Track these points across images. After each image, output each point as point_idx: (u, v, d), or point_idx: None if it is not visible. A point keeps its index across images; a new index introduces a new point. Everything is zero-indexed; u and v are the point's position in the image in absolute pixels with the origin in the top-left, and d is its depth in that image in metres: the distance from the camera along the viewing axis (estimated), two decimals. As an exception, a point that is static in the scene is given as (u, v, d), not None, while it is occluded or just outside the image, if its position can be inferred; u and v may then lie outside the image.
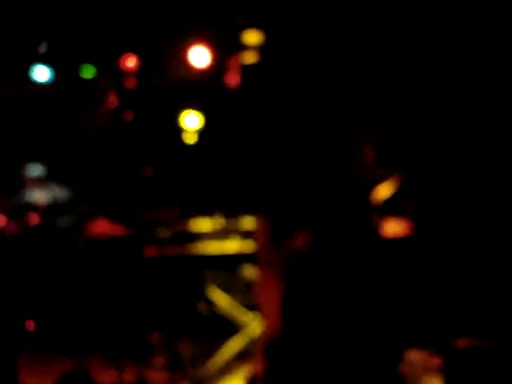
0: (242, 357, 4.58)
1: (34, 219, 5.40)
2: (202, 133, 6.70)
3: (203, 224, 4.66)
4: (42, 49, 6.22)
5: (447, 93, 2.86)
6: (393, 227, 4.04)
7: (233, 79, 6.19)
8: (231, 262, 4.44)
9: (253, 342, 4.45)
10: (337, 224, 1.90)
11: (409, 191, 3.84)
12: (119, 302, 4.76)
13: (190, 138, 6.90)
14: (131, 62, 6.29)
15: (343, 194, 2.01)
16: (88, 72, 6.56)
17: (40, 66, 6.25)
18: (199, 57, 6.38)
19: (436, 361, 3.54)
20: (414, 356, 3.13)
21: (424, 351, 3.33)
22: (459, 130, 2.65)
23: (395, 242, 3.90)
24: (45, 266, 5.06)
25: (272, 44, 5.90)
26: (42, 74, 6.30)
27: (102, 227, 4.76)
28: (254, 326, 4.49)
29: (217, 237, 4.69)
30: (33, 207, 5.55)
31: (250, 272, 4.47)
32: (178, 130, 6.83)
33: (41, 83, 6.37)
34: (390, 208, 4.09)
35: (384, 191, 4.12)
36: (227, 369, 4.46)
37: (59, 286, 4.95)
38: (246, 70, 6.06)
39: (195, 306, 5.26)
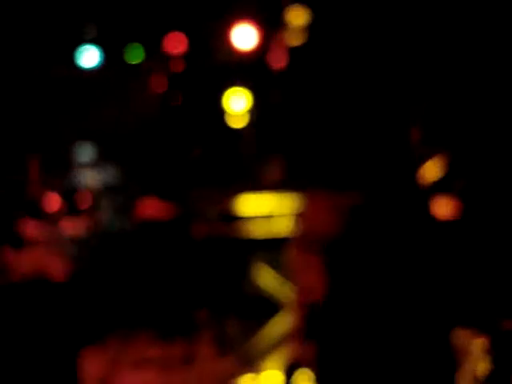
0: (286, 336, 4.63)
1: (86, 200, 5.52)
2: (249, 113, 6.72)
3: (251, 203, 4.71)
4: (91, 33, 6.32)
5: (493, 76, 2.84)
6: (442, 207, 4.02)
7: (279, 60, 6.20)
8: (278, 242, 4.47)
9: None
10: (389, 204, 1.91)
11: (457, 171, 3.80)
12: (169, 279, 4.86)
13: (236, 121, 6.95)
14: (178, 45, 6.36)
15: (394, 172, 2.01)
16: (135, 55, 6.65)
17: (89, 49, 6.36)
18: (245, 38, 6.39)
19: (482, 341, 3.51)
20: (461, 336, 3.11)
21: (470, 331, 3.31)
22: (507, 110, 2.62)
23: (444, 222, 3.88)
24: (99, 245, 5.18)
25: (318, 24, 5.89)
26: (90, 57, 6.41)
27: (151, 207, 4.85)
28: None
29: (264, 216, 4.74)
30: (84, 189, 5.68)
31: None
32: (225, 111, 6.87)
33: (89, 67, 6.48)
34: (439, 188, 4.06)
35: (432, 171, 4.09)
36: (272, 347, 4.51)
37: (111, 265, 5.06)
38: (292, 51, 6.07)
39: (242, 285, 5.33)
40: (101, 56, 6.36)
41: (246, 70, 6.73)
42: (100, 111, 6.85)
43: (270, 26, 6.28)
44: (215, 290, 4.89)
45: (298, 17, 5.95)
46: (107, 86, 6.91)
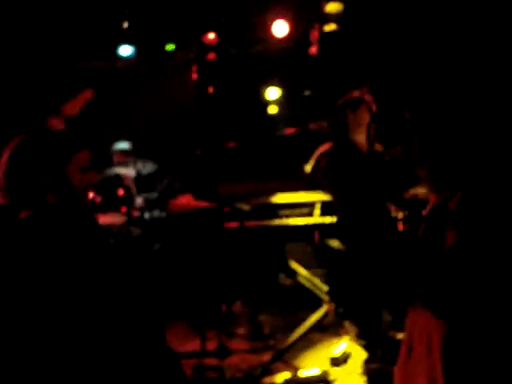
0: (322, 329, 4.59)
1: (120, 193, 5.56)
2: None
3: (284, 197, 4.66)
4: (125, 24, 6.33)
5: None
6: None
7: (313, 48, 6.12)
8: (312, 235, 4.41)
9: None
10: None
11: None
12: (203, 272, 4.86)
13: (272, 110, 6.89)
14: (212, 35, 6.32)
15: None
16: (170, 46, 6.63)
17: (123, 41, 6.37)
18: (279, 27, 6.32)
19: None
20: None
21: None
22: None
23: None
24: (133, 238, 5.22)
25: (352, 13, 5.80)
26: (125, 48, 6.43)
27: (185, 201, 4.85)
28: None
29: (298, 209, 4.68)
30: (119, 181, 5.72)
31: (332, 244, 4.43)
32: (261, 102, 6.82)
33: (125, 57, 6.49)
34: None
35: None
36: (308, 341, 4.48)
37: (145, 257, 5.09)
38: (326, 37, 5.99)
39: (277, 278, 5.30)
40: (134, 47, 6.37)
41: (280, 57, 6.67)
42: (135, 102, 6.87)
43: (304, 14, 6.20)
44: (250, 282, 4.87)
45: (333, 6, 5.87)
46: (142, 77, 6.92)
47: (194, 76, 6.58)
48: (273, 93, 6.81)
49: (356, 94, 4.44)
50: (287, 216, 4.48)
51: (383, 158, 4.58)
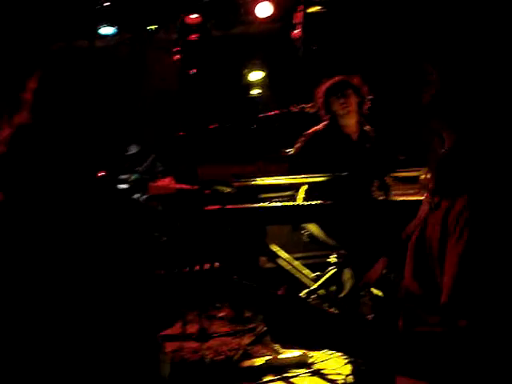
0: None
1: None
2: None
3: (267, 180, 4.61)
4: (106, 3, 6.22)
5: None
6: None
7: (297, 30, 6.07)
8: (293, 218, 4.38)
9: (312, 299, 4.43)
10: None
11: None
12: (183, 254, 4.82)
13: (255, 91, 6.84)
14: (194, 16, 6.24)
15: None
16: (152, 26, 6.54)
17: (104, 21, 6.27)
18: (263, 8, 6.26)
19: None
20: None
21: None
22: None
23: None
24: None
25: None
26: (106, 28, 6.32)
27: (165, 183, 4.80)
28: (311, 283, 4.48)
29: (280, 192, 4.66)
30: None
31: (312, 229, 4.42)
32: (244, 84, 6.77)
33: (106, 37, 6.39)
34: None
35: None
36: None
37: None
38: (309, 19, 5.94)
39: (258, 261, 5.28)
40: (115, 27, 6.27)
41: (264, 39, 6.61)
42: (117, 84, 6.78)
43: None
44: (230, 265, 4.84)
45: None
46: (123, 57, 6.83)
47: (177, 57, 6.50)
48: (256, 74, 6.76)
49: (339, 78, 4.42)
50: (269, 199, 4.45)
51: (372, 140, 4.57)
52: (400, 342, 1.57)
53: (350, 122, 4.43)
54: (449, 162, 1.75)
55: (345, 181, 4.04)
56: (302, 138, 4.47)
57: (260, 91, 6.81)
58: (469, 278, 1.53)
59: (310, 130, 4.49)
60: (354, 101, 4.37)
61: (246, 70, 6.69)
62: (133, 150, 5.88)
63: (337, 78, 4.42)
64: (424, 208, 1.89)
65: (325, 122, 4.49)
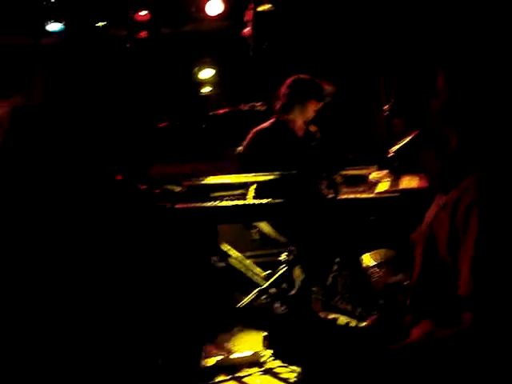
0: (255, 311, 4.58)
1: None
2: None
3: (217, 178, 4.59)
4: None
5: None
6: (408, 181, 3.97)
7: (247, 28, 6.06)
8: (244, 217, 4.37)
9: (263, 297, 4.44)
10: None
11: (425, 145, 3.73)
12: (133, 254, 4.76)
13: (205, 89, 6.80)
14: (144, 13, 6.16)
15: None
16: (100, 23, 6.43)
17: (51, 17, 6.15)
18: (213, 5, 6.23)
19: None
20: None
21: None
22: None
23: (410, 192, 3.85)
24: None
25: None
26: (53, 24, 6.21)
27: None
28: (262, 281, 4.49)
29: (231, 191, 4.64)
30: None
31: (262, 227, 4.43)
32: (194, 82, 6.72)
33: (53, 33, 6.27)
34: (405, 161, 4.00)
35: (398, 144, 4.01)
36: (240, 323, 4.46)
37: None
38: (260, 17, 5.94)
39: (209, 260, 5.26)
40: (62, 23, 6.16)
41: (214, 37, 6.58)
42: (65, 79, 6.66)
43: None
44: (181, 263, 4.80)
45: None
46: (71, 53, 6.70)
47: (126, 54, 6.42)
48: (206, 72, 6.72)
49: (305, 76, 4.44)
50: (220, 198, 4.43)
51: (318, 139, 4.61)
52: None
53: (299, 121, 4.46)
54: (454, 161, 1.76)
55: (293, 179, 4.06)
56: (249, 136, 4.48)
57: (210, 89, 6.78)
58: (488, 269, 1.54)
59: (257, 128, 4.50)
60: (313, 104, 4.43)
61: (197, 68, 6.65)
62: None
63: (303, 76, 4.44)
64: (431, 212, 1.87)
65: (272, 120, 4.50)
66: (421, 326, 1.67)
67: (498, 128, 1.76)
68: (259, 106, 4.54)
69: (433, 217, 1.76)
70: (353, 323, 4.13)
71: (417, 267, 1.77)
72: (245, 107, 4.51)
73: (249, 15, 6.06)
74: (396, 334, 1.77)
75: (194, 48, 6.59)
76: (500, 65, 1.79)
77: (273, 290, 4.52)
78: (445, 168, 1.80)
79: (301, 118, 4.48)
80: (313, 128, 4.61)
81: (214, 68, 6.64)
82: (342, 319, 4.29)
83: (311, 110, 4.44)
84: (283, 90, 4.48)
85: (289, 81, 4.47)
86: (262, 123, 4.54)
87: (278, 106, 4.50)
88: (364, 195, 3.99)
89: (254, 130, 4.50)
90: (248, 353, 3.95)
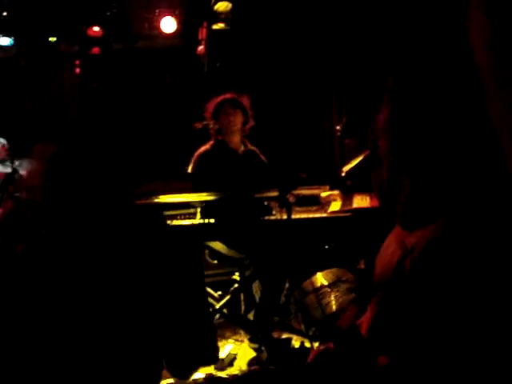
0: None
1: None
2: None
3: (168, 198, 4.53)
4: (4, 13, 5.98)
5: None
6: (359, 201, 3.99)
7: (201, 46, 6.06)
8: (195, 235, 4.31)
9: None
10: None
11: (375, 164, 3.76)
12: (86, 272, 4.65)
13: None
14: (96, 29, 6.10)
15: None
16: (52, 38, 6.34)
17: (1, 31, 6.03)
18: (167, 23, 6.21)
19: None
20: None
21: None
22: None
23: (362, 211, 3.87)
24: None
25: (241, 12, 5.78)
26: (3, 39, 6.09)
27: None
28: (214, 301, 4.45)
29: (182, 210, 4.58)
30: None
31: (213, 245, 4.37)
32: (147, 99, 6.66)
33: (3, 48, 6.16)
34: (356, 180, 4.03)
35: (350, 163, 4.04)
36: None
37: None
38: (214, 36, 5.94)
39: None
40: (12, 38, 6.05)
41: (168, 54, 6.56)
42: (14, 97, 6.53)
43: (194, 11, 6.13)
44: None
45: (221, 5, 5.84)
46: (21, 70, 6.57)
47: (77, 70, 6.33)
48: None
49: (230, 95, 4.49)
50: (171, 217, 4.37)
51: (258, 157, 4.63)
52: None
53: (234, 140, 4.52)
54: (412, 205, 1.68)
55: (237, 198, 4.07)
56: (193, 159, 4.50)
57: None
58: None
59: (199, 151, 4.52)
60: (239, 120, 4.47)
61: (150, 85, 6.60)
62: (26, 167, 5.62)
63: (228, 96, 4.49)
64: (392, 250, 1.78)
65: (211, 142, 4.53)
66: (379, 359, 1.65)
67: (453, 166, 1.65)
68: (212, 124, 4.54)
69: (396, 262, 1.71)
70: (307, 344, 4.11)
71: (380, 306, 1.74)
72: (199, 126, 4.52)
73: (202, 34, 6.06)
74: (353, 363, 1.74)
75: (147, 65, 6.54)
76: (449, 100, 1.69)
77: (225, 311, 4.48)
78: (404, 212, 1.72)
79: (236, 135, 4.52)
80: (251, 146, 4.66)
81: (167, 85, 6.61)
82: (296, 339, 4.27)
83: (238, 122, 4.50)
84: (207, 115, 4.54)
85: (215, 102, 4.53)
86: (202, 146, 4.57)
87: (211, 128, 4.54)
88: (317, 214, 3.99)
89: (197, 152, 4.53)
90: (199, 375, 3.88)
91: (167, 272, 1.73)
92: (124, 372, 1.71)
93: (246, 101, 4.51)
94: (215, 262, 4.45)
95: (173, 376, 1.87)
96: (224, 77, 5.93)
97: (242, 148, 4.57)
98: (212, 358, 1.89)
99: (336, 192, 4.11)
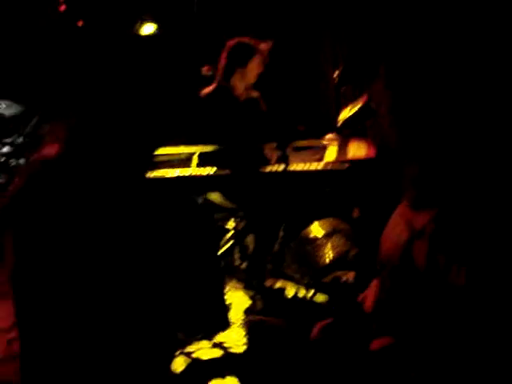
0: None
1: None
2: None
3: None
4: None
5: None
6: (355, 149, 3.94)
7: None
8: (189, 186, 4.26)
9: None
10: None
11: (372, 112, 3.70)
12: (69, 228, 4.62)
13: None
14: None
15: None
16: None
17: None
18: None
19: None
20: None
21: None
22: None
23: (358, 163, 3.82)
24: None
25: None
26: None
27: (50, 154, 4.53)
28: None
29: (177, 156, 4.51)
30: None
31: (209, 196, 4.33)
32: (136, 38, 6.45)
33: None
34: (352, 129, 3.97)
35: (347, 112, 3.97)
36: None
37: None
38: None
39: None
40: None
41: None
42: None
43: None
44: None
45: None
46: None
47: (62, 8, 6.10)
48: (148, 28, 6.45)
49: (245, 39, 4.31)
50: (163, 163, 4.30)
51: (261, 105, 4.52)
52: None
53: (240, 87, 4.37)
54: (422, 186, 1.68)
55: (238, 147, 4.00)
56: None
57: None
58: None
59: (201, 92, 4.37)
60: (256, 67, 4.30)
61: (138, 23, 6.38)
62: (14, 110, 5.50)
63: (243, 40, 4.30)
64: (400, 231, 1.79)
65: (214, 85, 4.38)
66: (382, 340, 1.65)
67: (460, 149, 1.68)
68: (205, 70, 4.40)
69: (403, 244, 1.71)
70: (301, 292, 4.14)
71: (386, 285, 1.73)
72: (207, 71, 4.38)
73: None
74: (352, 341, 1.75)
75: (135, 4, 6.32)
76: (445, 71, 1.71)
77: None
78: (413, 192, 1.71)
79: (242, 84, 4.37)
80: (255, 93, 4.51)
81: (156, 23, 6.39)
82: (290, 287, 4.30)
83: (252, 75, 4.32)
84: (223, 55, 4.34)
85: (228, 45, 4.33)
86: (204, 88, 4.42)
87: (218, 71, 4.37)
88: (313, 166, 3.92)
89: (199, 94, 4.38)
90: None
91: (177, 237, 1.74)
92: (137, 337, 1.73)
93: (265, 47, 4.32)
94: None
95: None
96: (216, 16, 5.76)
97: (245, 96, 4.42)
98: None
99: (332, 135, 4.03)
